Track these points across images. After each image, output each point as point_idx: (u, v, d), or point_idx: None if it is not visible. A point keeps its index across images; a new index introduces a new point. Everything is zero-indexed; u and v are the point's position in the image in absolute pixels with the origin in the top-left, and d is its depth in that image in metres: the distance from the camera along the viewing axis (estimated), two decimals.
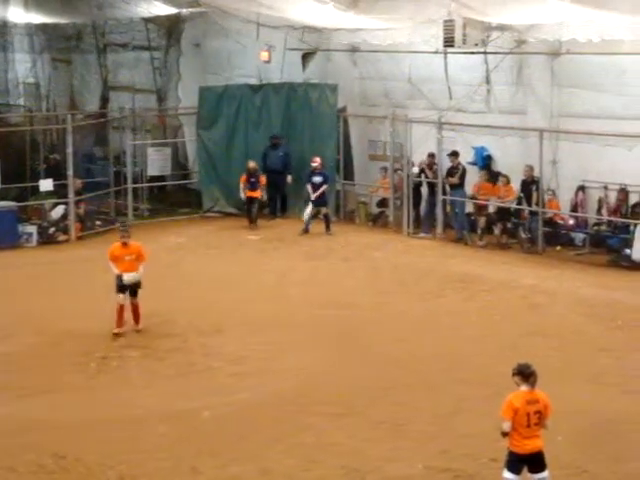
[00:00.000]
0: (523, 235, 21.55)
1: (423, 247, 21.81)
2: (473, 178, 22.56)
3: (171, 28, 28.54)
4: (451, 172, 22.48)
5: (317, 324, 16.12)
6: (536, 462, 9.36)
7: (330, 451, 11.25)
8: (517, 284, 18.52)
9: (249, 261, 20.83)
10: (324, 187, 23.24)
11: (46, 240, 22.49)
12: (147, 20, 28.58)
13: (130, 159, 25.48)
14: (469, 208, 22.72)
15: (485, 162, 22.87)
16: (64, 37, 32.37)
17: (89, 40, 31.51)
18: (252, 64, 26.62)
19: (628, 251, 19.58)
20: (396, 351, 14.79)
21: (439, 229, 22.69)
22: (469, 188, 22.52)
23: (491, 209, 22.34)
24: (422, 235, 22.75)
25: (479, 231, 22.11)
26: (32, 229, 22.45)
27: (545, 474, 9.41)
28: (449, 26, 20.34)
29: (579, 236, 21.43)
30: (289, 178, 24.62)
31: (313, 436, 11.70)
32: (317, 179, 23.30)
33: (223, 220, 24.86)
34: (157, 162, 26.06)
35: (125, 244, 15.50)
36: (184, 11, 27.36)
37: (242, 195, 24.03)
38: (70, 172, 22.90)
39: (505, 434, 9.30)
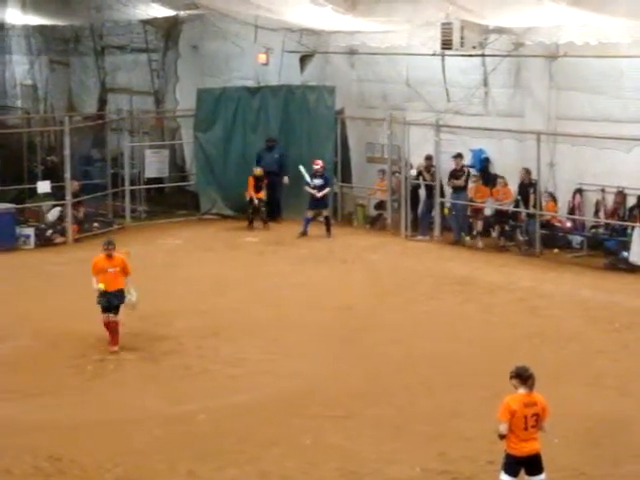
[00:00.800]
0: (521, 237, 21.54)
1: (421, 249, 21.80)
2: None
3: (169, 30, 28.56)
4: (455, 174, 22.45)
5: (315, 326, 16.09)
6: (533, 464, 9.34)
7: (328, 453, 11.24)
8: (515, 287, 18.51)
9: (247, 263, 20.80)
10: (327, 190, 23.26)
11: (44, 242, 22.46)
12: (145, 22, 28.60)
13: (128, 161, 25.46)
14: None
15: (483, 165, 22.87)
16: (62, 39, 32.42)
17: (87, 42, 31.57)
18: (250, 66, 26.63)
19: (626, 254, 19.57)
20: (394, 353, 14.78)
21: (437, 232, 22.69)
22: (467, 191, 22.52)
23: (488, 212, 22.34)
24: (420, 238, 22.72)
25: (474, 233, 22.10)
26: (30, 231, 22.40)
27: (542, 477, 9.40)
28: (447, 29, 20.33)
29: (577, 239, 21.43)
30: (285, 179, 24.57)
31: (311, 438, 11.68)
32: (318, 182, 23.30)
33: (221, 222, 24.82)
34: (155, 164, 26.03)
35: (109, 256, 15.15)
36: (182, 13, 27.37)
37: (250, 194, 23.89)
38: (68, 174, 22.84)
39: (502, 436, 9.30)
